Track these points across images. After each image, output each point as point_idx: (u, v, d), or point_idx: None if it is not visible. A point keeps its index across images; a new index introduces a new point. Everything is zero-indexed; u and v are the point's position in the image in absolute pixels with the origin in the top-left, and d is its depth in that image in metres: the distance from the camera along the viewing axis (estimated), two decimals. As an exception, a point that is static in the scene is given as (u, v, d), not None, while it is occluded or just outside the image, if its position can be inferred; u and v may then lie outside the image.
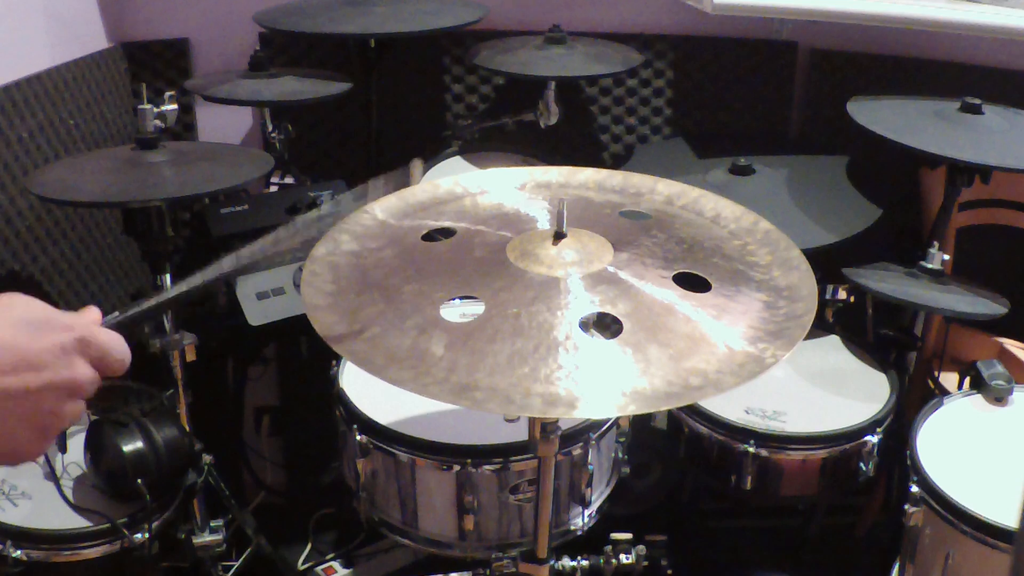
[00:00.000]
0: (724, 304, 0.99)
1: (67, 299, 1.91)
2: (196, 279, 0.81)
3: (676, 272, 1.03)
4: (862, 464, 1.57)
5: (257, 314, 1.69)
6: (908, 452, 1.44)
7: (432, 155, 2.10)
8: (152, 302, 0.78)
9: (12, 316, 0.62)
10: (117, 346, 0.68)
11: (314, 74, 1.98)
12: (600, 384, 0.88)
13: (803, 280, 1.04)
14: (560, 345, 0.91)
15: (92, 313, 0.69)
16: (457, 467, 1.38)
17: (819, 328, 1.81)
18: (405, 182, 1.16)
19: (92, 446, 1.45)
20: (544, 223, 1.13)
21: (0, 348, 0.60)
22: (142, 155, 1.54)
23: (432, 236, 1.14)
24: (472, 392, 0.86)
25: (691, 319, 0.96)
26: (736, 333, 0.94)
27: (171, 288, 0.82)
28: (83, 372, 0.64)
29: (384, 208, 1.20)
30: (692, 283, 1.02)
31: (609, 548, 1.59)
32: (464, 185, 1.25)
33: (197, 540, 1.56)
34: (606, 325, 0.98)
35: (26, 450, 0.63)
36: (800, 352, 1.73)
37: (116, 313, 0.73)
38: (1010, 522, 1.27)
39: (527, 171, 1.28)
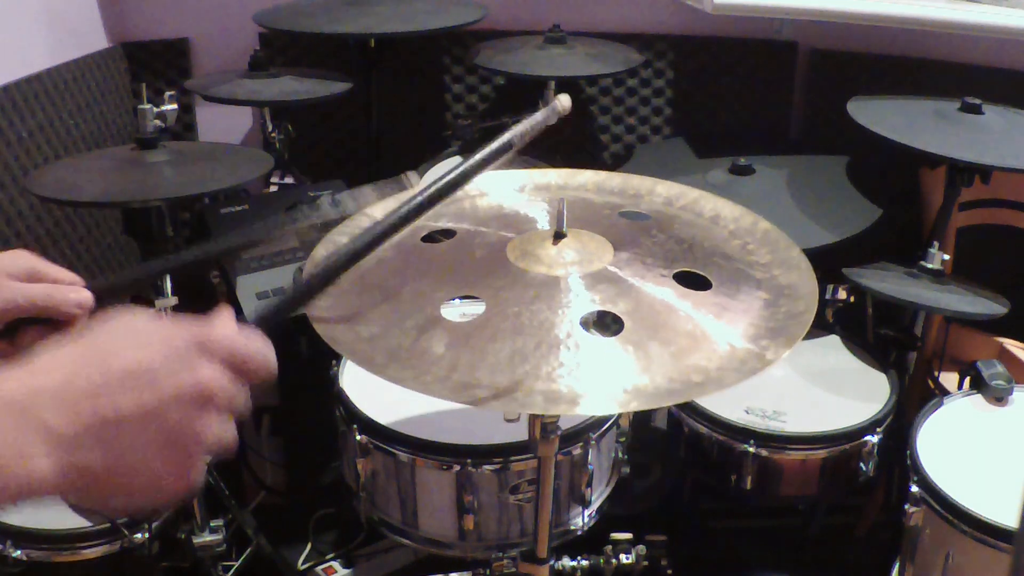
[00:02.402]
0: (725, 303, 0.99)
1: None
2: (202, 249, 0.76)
3: (676, 271, 1.03)
4: (862, 464, 1.57)
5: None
6: (908, 452, 1.44)
7: (432, 155, 2.10)
8: (149, 267, 0.74)
9: (111, 331, 0.54)
10: (252, 344, 0.57)
11: (314, 74, 1.98)
12: (601, 381, 0.88)
13: (803, 279, 1.04)
14: (561, 343, 0.91)
15: (221, 313, 0.58)
16: (457, 467, 1.38)
17: (819, 328, 1.81)
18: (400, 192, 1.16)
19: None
20: (544, 223, 1.13)
21: (105, 368, 0.51)
22: (142, 155, 1.54)
23: (432, 237, 1.14)
24: (473, 390, 0.86)
25: (692, 317, 0.96)
26: (737, 331, 0.94)
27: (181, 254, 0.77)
28: (210, 375, 0.53)
29: (385, 211, 1.19)
30: (692, 282, 1.02)
31: (609, 548, 1.59)
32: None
33: (197, 540, 1.55)
34: (606, 324, 0.98)
35: (171, 483, 0.53)
36: (800, 352, 1.73)
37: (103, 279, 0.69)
38: (1010, 522, 1.27)
39: (527, 173, 1.28)
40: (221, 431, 0.54)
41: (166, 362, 0.52)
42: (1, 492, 0.48)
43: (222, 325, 0.56)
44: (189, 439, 0.53)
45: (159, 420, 0.51)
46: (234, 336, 0.56)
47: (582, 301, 0.97)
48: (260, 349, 0.57)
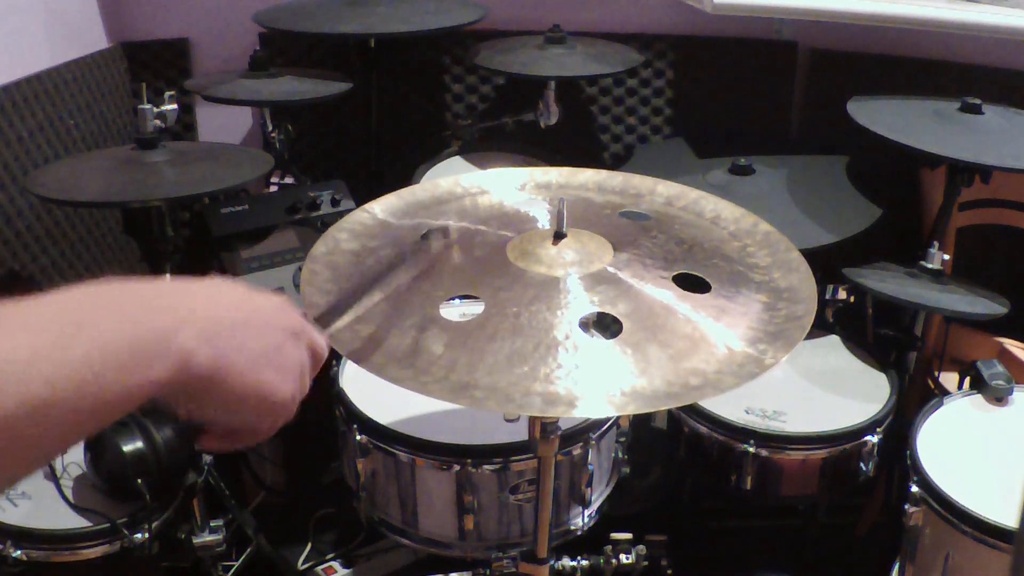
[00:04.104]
0: (724, 305, 0.99)
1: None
2: None
3: (676, 273, 1.03)
4: (862, 464, 1.57)
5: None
6: (908, 452, 1.44)
7: (432, 155, 2.10)
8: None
9: (235, 282, 0.66)
10: (316, 331, 0.70)
11: (314, 74, 1.98)
12: (600, 383, 0.88)
13: (803, 282, 1.04)
14: (560, 345, 0.91)
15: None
16: (457, 467, 1.38)
17: (819, 328, 1.81)
18: None
19: (92, 446, 1.45)
20: (544, 223, 1.13)
21: (230, 294, 0.63)
22: (142, 155, 1.54)
23: (432, 236, 1.14)
24: (471, 391, 0.86)
25: (691, 320, 0.96)
26: (736, 334, 0.94)
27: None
28: (306, 329, 0.67)
29: (384, 207, 1.20)
30: (692, 284, 1.02)
31: (609, 548, 1.59)
32: (464, 185, 1.25)
33: (197, 540, 1.55)
34: (606, 325, 0.98)
35: (277, 385, 0.62)
36: (800, 352, 1.73)
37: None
38: (1010, 522, 1.27)
39: (527, 171, 1.28)
40: (305, 362, 0.66)
41: (273, 303, 0.66)
42: (158, 361, 0.53)
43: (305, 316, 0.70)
44: (290, 361, 0.64)
45: (271, 337, 0.63)
46: (311, 325, 0.70)
47: (581, 302, 0.97)
48: (320, 338, 0.70)
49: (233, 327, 0.59)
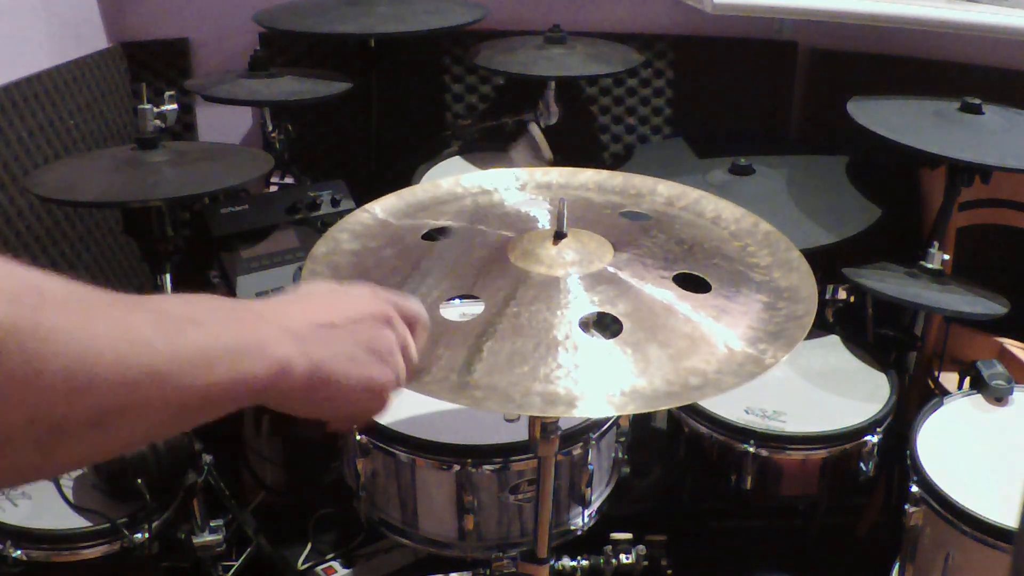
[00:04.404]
0: (724, 305, 0.99)
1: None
2: None
3: (676, 273, 1.03)
4: (862, 464, 1.57)
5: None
6: (908, 452, 1.44)
7: (432, 155, 2.10)
8: None
9: (313, 285, 0.72)
10: (409, 301, 0.75)
11: (314, 74, 1.98)
12: (599, 383, 0.88)
13: (803, 281, 1.04)
14: (560, 344, 0.91)
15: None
16: (457, 467, 1.38)
17: (819, 328, 1.81)
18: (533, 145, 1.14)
19: (92, 446, 1.45)
20: (545, 223, 1.13)
21: (318, 298, 0.68)
22: (142, 155, 1.54)
23: (432, 236, 1.14)
24: (471, 391, 0.86)
25: (691, 319, 0.96)
26: (736, 334, 0.94)
27: None
28: (390, 309, 0.70)
29: (384, 208, 1.20)
30: (692, 284, 1.02)
31: (609, 548, 1.59)
32: (465, 185, 1.25)
33: (197, 540, 1.55)
34: (606, 325, 0.98)
35: (375, 373, 0.66)
36: (800, 352, 1.73)
37: None
38: (1010, 522, 1.27)
39: (527, 171, 1.28)
40: (399, 343, 0.70)
41: (359, 296, 0.70)
42: (262, 371, 0.56)
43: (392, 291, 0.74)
44: (382, 345, 0.67)
45: (359, 329, 0.66)
46: (399, 295, 0.74)
47: (581, 302, 0.97)
48: (415, 304, 0.75)
49: (324, 331, 0.63)
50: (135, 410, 0.49)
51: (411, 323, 0.73)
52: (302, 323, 0.62)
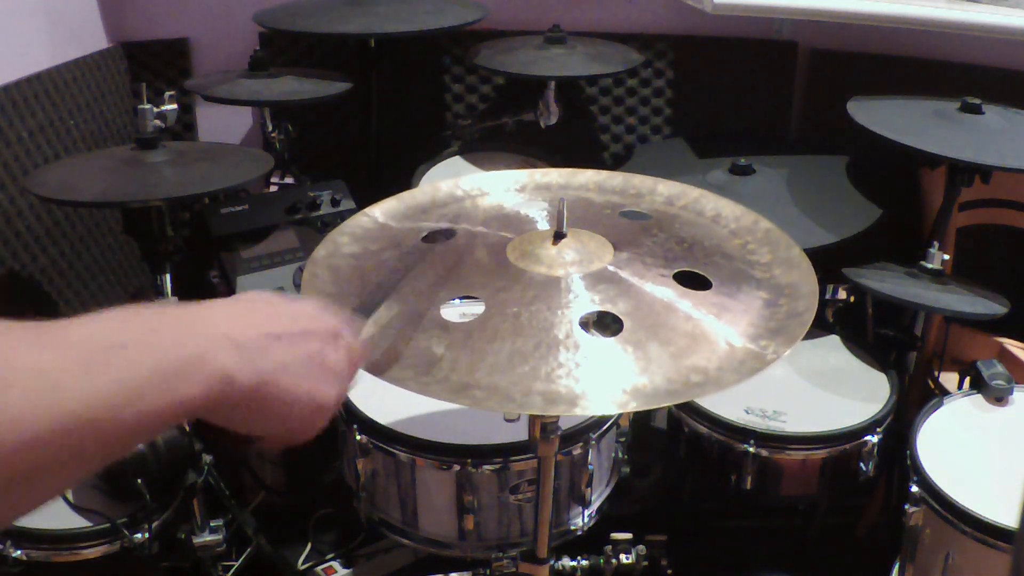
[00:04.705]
0: (725, 302, 0.99)
1: (67, 299, 1.92)
2: None
3: (676, 271, 1.03)
4: (862, 464, 1.57)
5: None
6: (908, 452, 1.44)
7: (432, 155, 2.10)
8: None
9: (263, 294, 0.67)
10: (357, 334, 0.72)
11: (314, 74, 1.98)
12: (601, 381, 0.88)
13: (804, 278, 1.04)
14: (560, 344, 0.91)
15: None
16: (457, 467, 1.38)
17: (819, 328, 1.81)
18: None
19: (92, 446, 1.45)
20: (544, 224, 1.13)
21: (264, 308, 0.63)
22: (142, 155, 1.54)
23: (433, 238, 1.14)
24: (472, 391, 0.86)
25: (692, 317, 0.96)
26: (737, 330, 0.94)
27: None
28: (341, 328, 0.67)
29: (384, 211, 1.20)
30: (693, 282, 1.02)
31: (609, 548, 1.59)
32: (464, 188, 1.25)
33: (197, 540, 1.55)
34: (606, 324, 0.98)
35: (320, 389, 0.63)
36: (800, 352, 1.73)
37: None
38: (1010, 522, 1.27)
39: (527, 172, 1.28)
40: (343, 364, 0.67)
41: (307, 310, 0.66)
42: (194, 382, 0.53)
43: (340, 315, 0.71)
44: (328, 361, 0.64)
45: (306, 343, 0.63)
46: (348, 322, 0.71)
47: (582, 301, 0.97)
48: (359, 342, 0.72)
49: (271, 342, 0.60)
50: (46, 469, 0.45)
51: (351, 353, 0.69)
52: (247, 332, 0.58)
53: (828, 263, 1.70)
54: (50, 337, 0.48)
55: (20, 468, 0.43)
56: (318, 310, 0.67)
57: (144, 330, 0.52)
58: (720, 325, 0.95)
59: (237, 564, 1.72)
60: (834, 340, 1.80)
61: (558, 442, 1.11)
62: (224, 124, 2.30)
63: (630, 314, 0.95)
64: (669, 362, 0.89)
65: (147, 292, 1.59)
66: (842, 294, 1.80)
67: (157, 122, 1.59)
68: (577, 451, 1.42)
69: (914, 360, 1.82)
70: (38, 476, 0.45)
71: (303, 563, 1.90)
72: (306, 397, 0.62)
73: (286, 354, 0.61)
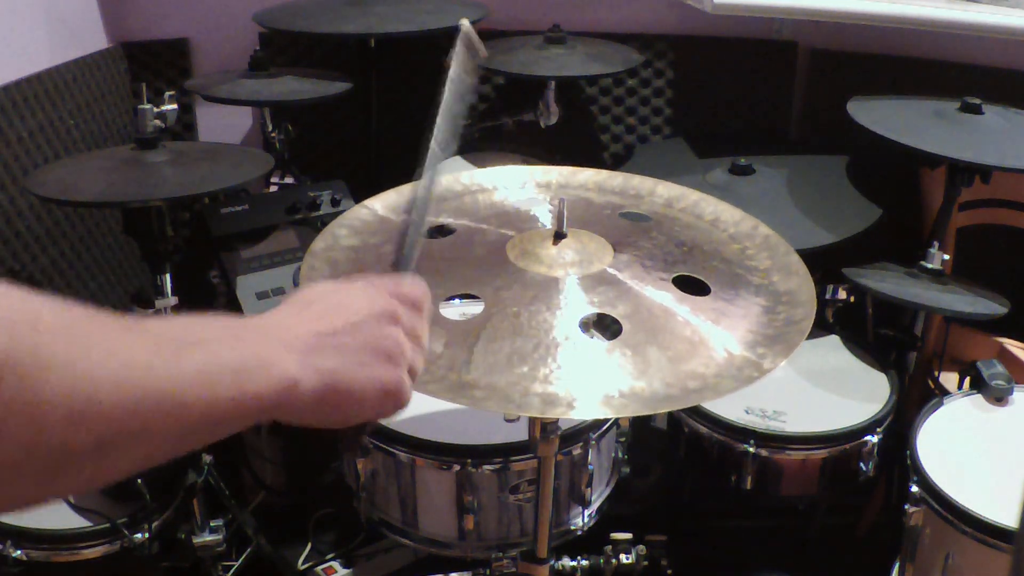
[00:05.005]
0: (723, 308, 0.99)
1: (67, 299, 1.91)
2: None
3: (675, 275, 1.03)
4: (862, 464, 1.57)
5: (257, 314, 1.68)
6: (908, 452, 1.44)
7: (432, 155, 2.09)
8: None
9: (311, 289, 0.68)
10: (410, 281, 0.71)
11: (314, 74, 1.98)
12: (598, 384, 0.88)
13: (802, 285, 1.04)
14: (559, 345, 0.91)
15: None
16: (457, 467, 1.38)
17: (819, 328, 1.81)
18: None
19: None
20: (544, 223, 1.13)
21: (316, 305, 0.65)
22: (142, 155, 1.54)
23: (432, 234, 1.14)
24: (471, 390, 0.86)
25: (690, 322, 0.96)
26: (735, 337, 0.94)
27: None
28: (391, 303, 0.67)
29: (384, 204, 1.20)
30: (691, 286, 1.02)
31: (609, 548, 1.59)
32: (465, 182, 1.25)
33: (197, 540, 1.55)
34: (606, 326, 0.98)
35: (384, 374, 0.64)
36: (800, 352, 1.71)
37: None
38: (1010, 522, 1.27)
39: (527, 170, 1.28)
40: (409, 347, 0.66)
41: (359, 295, 0.66)
42: (267, 389, 0.56)
43: (388, 277, 0.71)
44: (389, 344, 0.64)
45: (363, 331, 0.63)
46: (397, 280, 0.70)
47: (581, 303, 0.97)
48: (416, 285, 0.71)
49: (328, 339, 0.61)
50: (135, 435, 0.48)
51: (415, 308, 0.70)
52: (304, 335, 0.60)
53: (828, 263, 1.70)
54: (134, 326, 0.51)
55: (114, 429, 0.47)
56: (370, 291, 0.67)
57: (214, 332, 0.56)
58: (718, 331, 0.95)
59: (237, 564, 1.72)
60: (834, 340, 1.80)
61: (558, 442, 1.11)
62: (224, 124, 2.29)
63: (629, 317, 0.95)
64: (667, 367, 0.89)
65: (147, 292, 1.58)
66: (842, 294, 1.80)
67: (157, 122, 1.59)
68: (577, 451, 1.42)
69: (914, 360, 1.82)
70: (127, 444, 0.48)
71: (303, 563, 1.90)
72: (370, 385, 0.63)
73: (344, 349, 0.62)
